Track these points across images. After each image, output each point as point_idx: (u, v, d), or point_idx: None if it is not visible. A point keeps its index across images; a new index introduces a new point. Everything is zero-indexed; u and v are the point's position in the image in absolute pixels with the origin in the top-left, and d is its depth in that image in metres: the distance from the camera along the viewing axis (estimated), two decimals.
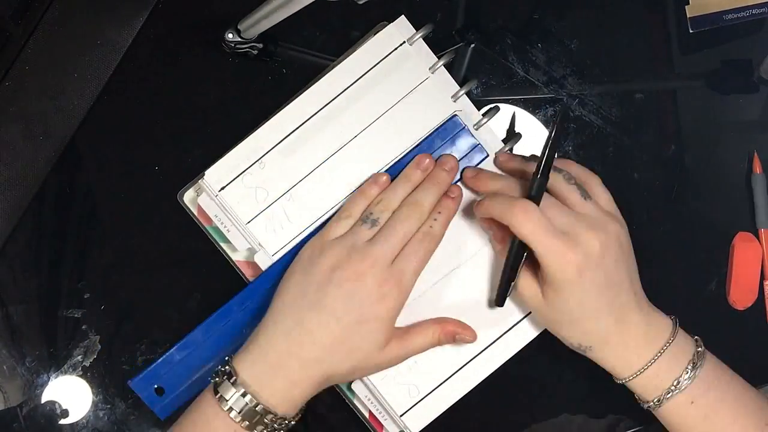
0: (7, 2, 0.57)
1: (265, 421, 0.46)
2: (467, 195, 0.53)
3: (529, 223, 0.45)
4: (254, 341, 0.48)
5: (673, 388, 0.47)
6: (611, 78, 0.59)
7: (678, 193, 0.59)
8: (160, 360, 0.53)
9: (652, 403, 0.48)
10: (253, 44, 0.55)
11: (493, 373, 0.53)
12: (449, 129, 0.53)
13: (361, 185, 0.53)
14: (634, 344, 0.47)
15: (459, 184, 0.53)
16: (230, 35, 0.54)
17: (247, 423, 0.46)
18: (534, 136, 0.57)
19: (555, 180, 0.49)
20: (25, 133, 0.58)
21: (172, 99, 0.58)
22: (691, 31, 0.58)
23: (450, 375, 0.53)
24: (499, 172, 0.54)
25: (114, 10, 0.58)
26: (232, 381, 0.47)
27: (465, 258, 0.54)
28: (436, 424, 0.53)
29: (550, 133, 0.48)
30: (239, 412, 0.46)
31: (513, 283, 0.49)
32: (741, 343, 0.59)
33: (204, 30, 0.58)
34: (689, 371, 0.47)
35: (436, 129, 0.54)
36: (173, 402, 0.53)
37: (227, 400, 0.46)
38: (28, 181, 0.57)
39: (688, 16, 0.58)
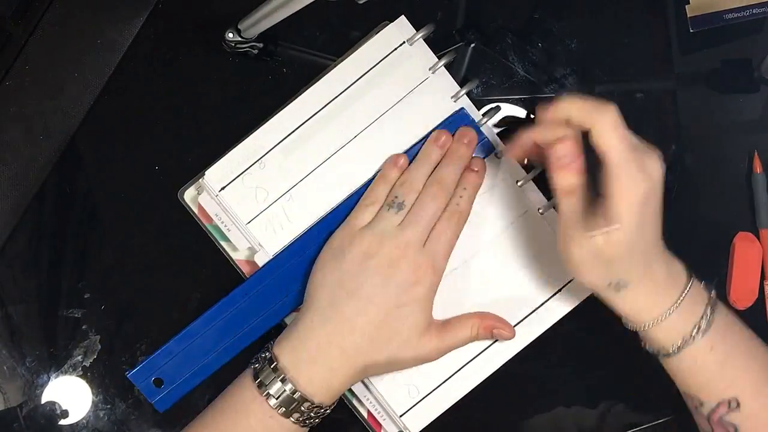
0: (7, 2, 0.57)
1: (302, 408, 0.46)
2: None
3: (618, 132, 0.42)
4: (294, 330, 0.48)
5: (693, 334, 0.45)
6: (611, 78, 0.59)
7: (678, 193, 0.59)
8: (159, 351, 0.53)
9: (671, 350, 0.46)
10: (253, 44, 0.55)
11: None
12: (456, 122, 0.53)
13: (380, 169, 0.52)
14: (663, 284, 0.46)
15: (480, 157, 0.52)
16: (230, 35, 0.54)
17: (284, 410, 0.46)
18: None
19: (605, 106, 0.44)
20: (25, 133, 0.58)
21: (172, 99, 0.58)
22: (691, 31, 0.58)
23: (450, 375, 0.53)
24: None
25: (114, 10, 0.58)
26: (272, 367, 0.47)
27: (480, 247, 0.54)
28: (435, 424, 0.53)
29: None
30: (277, 398, 0.46)
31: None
32: None
33: (204, 30, 0.58)
34: (708, 315, 0.45)
35: (444, 121, 0.53)
36: (172, 394, 0.53)
37: (266, 385, 0.46)
38: (28, 181, 0.57)
39: (688, 16, 0.58)
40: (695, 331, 0.45)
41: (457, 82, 0.55)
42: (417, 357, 0.49)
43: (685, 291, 0.46)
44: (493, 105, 0.56)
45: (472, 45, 0.58)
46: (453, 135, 0.52)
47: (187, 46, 0.58)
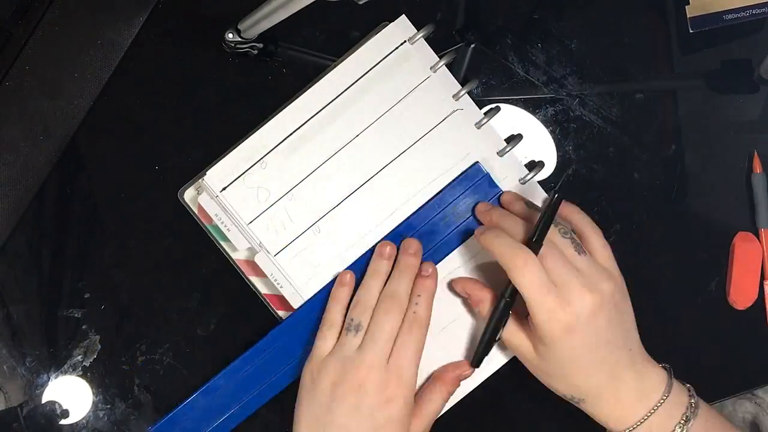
0: (7, 2, 0.57)
1: None
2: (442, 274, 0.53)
3: (528, 273, 0.45)
4: None
5: None
6: (611, 78, 0.59)
7: (678, 193, 0.59)
8: (180, 406, 0.53)
9: None
10: (253, 44, 0.55)
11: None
12: (470, 177, 0.53)
13: (413, 215, 0.53)
14: (627, 400, 0.47)
15: (429, 261, 0.53)
16: (230, 35, 0.54)
17: None
18: (534, 136, 0.57)
19: (551, 233, 0.48)
20: (25, 133, 0.58)
21: (172, 99, 0.58)
22: (691, 31, 0.58)
23: None
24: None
25: (114, 10, 0.58)
26: None
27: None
28: (435, 424, 0.53)
29: (550, 201, 0.47)
30: None
31: (497, 341, 0.49)
32: (741, 343, 0.59)
33: (204, 30, 0.58)
34: (682, 425, 0.47)
35: (458, 177, 0.53)
36: None
37: None
38: (28, 181, 0.57)
39: (688, 16, 0.58)
40: None
41: (453, 77, 0.55)
42: None
43: (659, 403, 0.47)
44: (493, 105, 0.56)
45: (472, 45, 0.58)
46: (463, 192, 0.53)
47: (187, 46, 0.58)
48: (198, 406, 0.53)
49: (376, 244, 0.53)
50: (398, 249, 0.53)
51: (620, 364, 0.47)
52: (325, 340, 0.50)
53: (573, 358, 0.46)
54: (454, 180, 0.54)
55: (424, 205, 0.54)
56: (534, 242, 0.46)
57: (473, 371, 0.52)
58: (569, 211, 0.51)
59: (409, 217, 0.53)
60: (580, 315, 0.45)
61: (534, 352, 0.48)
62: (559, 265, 0.46)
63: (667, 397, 0.47)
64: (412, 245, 0.52)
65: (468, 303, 0.53)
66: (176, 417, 0.53)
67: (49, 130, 0.58)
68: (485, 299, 0.50)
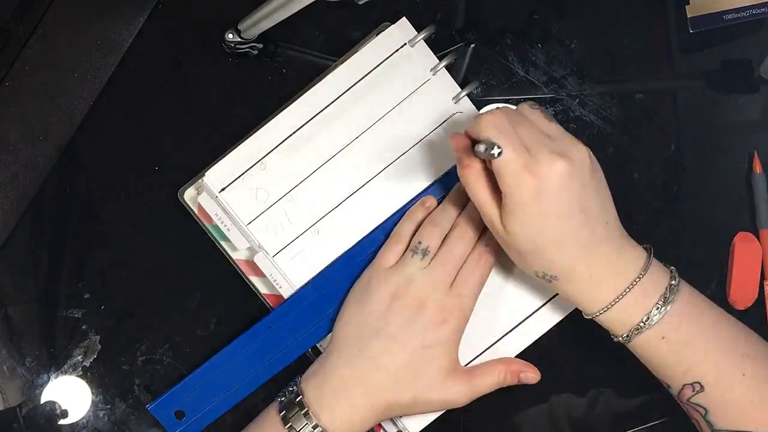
0: (7, 2, 0.57)
1: None
2: None
3: (493, 126, 0.43)
4: (320, 366, 0.49)
5: (642, 324, 0.45)
6: (611, 78, 0.59)
7: (678, 193, 0.59)
8: (180, 384, 0.53)
9: (621, 338, 0.46)
10: (253, 44, 0.55)
11: None
12: None
13: (408, 208, 0.53)
14: (601, 277, 0.45)
15: None
16: (230, 35, 0.54)
17: None
18: None
19: (520, 106, 0.46)
20: (25, 133, 0.58)
21: (172, 99, 0.58)
22: (691, 31, 0.58)
23: None
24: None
25: (114, 10, 0.58)
26: (297, 401, 0.47)
27: None
28: (434, 422, 0.53)
29: None
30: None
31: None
32: None
33: (204, 30, 0.58)
34: (660, 306, 0.44)
35: (453, 167, 0.53)
36: (193, 426, 0.54)
37: (290, 419, 0.47)
38: (28, 181, 0.57)
39: (688, 16, 0.58)
40: (643, 321, 0.45)
41: (457, 83, 0.55)
42: (444, 401, 0.49)
43: (635, 281, 0.45)
44: (493, 106, 0.56)
45: (472, 45, 0.58)
46: None
47: (187, 46, 0.58)
48: (198, 384, 0.53)
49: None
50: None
51: (595, 237, 0.44)
52: (391, 253, 0.51)
53: (543, 227, 0.43)
54: (449, 170, 0.53)
55: (421, 192, 0.53)
56: None
57: (537, 378, 0.52)
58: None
59: (403, 206, 0.53)
60: (550, 179, 0.42)
61: (502, 227, 0.45)
62: (529, 131, 0.44)
63: (643, 275, 0.45)
64: None
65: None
66: (176, 393, 0.53)
67: (49, 130, 0.58)
68: (472, 167, 0.46)
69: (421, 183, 0.54)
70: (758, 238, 0.58)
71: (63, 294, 0.57)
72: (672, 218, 0.59)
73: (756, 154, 0.58)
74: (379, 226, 0.53)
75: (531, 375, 0.51)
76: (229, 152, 0.53)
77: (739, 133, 0.59)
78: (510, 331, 0.53)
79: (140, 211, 0.58)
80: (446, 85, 0.54)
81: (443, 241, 0.50)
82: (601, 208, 0.45)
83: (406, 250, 0.50)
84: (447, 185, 0.53)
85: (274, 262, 0.53)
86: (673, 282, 0.46)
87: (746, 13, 0.57)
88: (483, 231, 0.50)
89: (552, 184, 0.42)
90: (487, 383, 0.50)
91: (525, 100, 0.58)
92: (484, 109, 0.56)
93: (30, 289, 0.58)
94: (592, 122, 0.59)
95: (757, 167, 0.58)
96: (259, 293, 0.56)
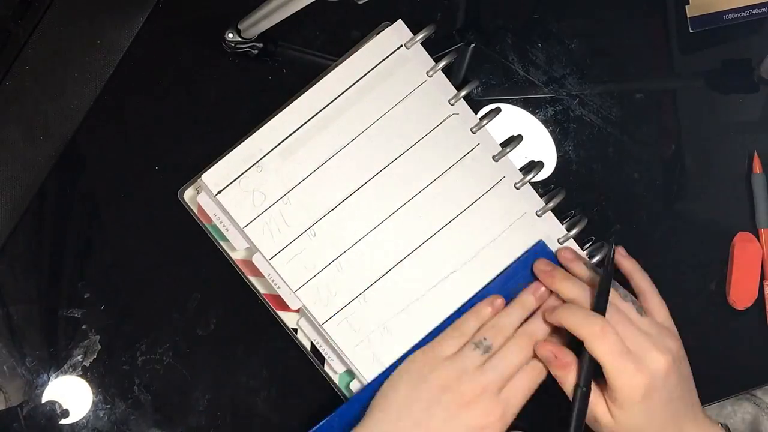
0: (7, 2, 0.57)
1: None
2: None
3: (606, 342, 0.46)
4: None
5: None
6: (611, 78, 0.59)
7: (678, 193, 0.59)
8: None
9: None
10: (253, 44, 0.55)
11: None
12: (534, 254, 0.53)
13: (474, 304, 0.53)
14: None
15: None
16: (230, 35, 0.54)
17: None
18: (534, 136, 0.57)
19: (613, 297, 0.49)
20: (25, 133, 0.58)
21: (171, 99, 0.58)
22: (691, 31, 0.58)
23: None
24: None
25: (114, 10, 0.58)
26: None
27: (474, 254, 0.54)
28: None
29: (606, 265, 0.50)
30: None
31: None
32: (741, 343, 0.59)
33: (204, 30, 0.58)
34: None
35: (522, 256, 0.53)
36: None
37: None
38: (28, 181, 0.57)
39: (688, 16, 0.58)
40: None
41: (457, 83, 0.55)
42: None
43: None
44: (493, 106, 0.56)
45: (472, 45, 0.58)
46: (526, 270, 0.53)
47: (187, 46, 0.58)
48: None
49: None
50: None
51: (686, 419, 0.48)
52: (449, 344, 0.50)
53: (651, 418, 0.47)
54: (518, 259, 0.53)
55: (490, 282, 0.53)
56: (599, 308, 0.48)
57: None
58: (628, 269, 0.53)
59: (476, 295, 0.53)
60: (655, 376, 0.46)
61: (610, 417, 0.48)
62: (629, 330, 0.48)
63: None
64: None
65: None
66: None
67: (49, 130, 0.58)
68: (570, 366, 0.49)
69: (417, 184, 0.54)
70: (758, 238, 0.58)
71: (63, 294, 0.57)
72: (672, 218, 0.59)
73: (756, 154, 0.58)
74: (445, 320, 0.53)
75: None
76: (227, 154, 0.53)
77: (739, 133, 0.59)
78: None
79: (140, 211, 0.58)
80: (442, 87, 0.54)
81: (504, 346, 0.50)
82: (691, 391, 0.50)
83: (465, 346, 0.50)
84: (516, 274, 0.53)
85: (272, 265, 0.53)
86: None
87: (746, 13, 0.57)
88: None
89: (660, 381, 0.47)
90: None
91: (525, 100, 0.58)
92: (483, 110, 0.56)
93: (30, 289, 0.58)
94: (592, 122, 0.59)
95: (757, 167, 0.58)
96: (259, 293, 0.56)
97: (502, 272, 0.54)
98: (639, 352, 0.47)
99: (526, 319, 0.51)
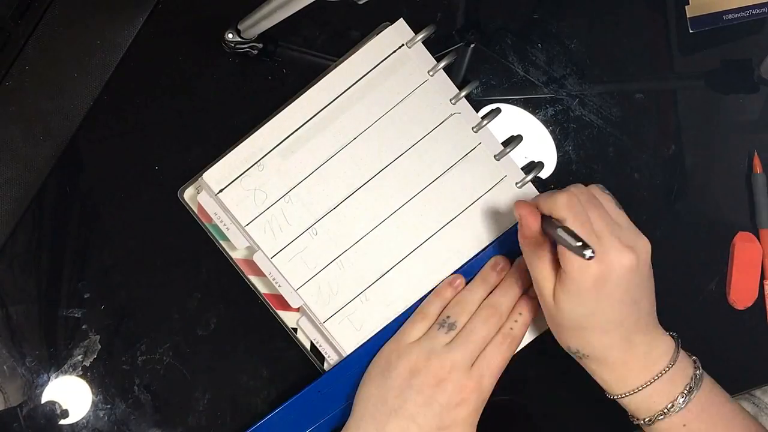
0: (7, 2, 0.57)
1: None
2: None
3: (569, 208, 0.44)
4: None
5: (666, 410, 0.46)
6: (611, 78, 0.59)
7: (678, 193, 0.59)
8: None
9: (642, 421, 0.47)
10: (253, 44, 0.55)
11: None
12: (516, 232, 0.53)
13: (436, 286, 0.53)
14: (634, 364, 0.47)
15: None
16: (230, 35, 0.54)
17: None
18: (534, 136, 0.57)
19: (592, 187, 0.48)
20: (25, 133, 0.58)
21: (171, 99, 0.58)
22: (691, 31, 0.58)
23: None
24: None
25: (114, 10, 0.58)
26: None
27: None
28: None
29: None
30: None
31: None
32: (741, 343, 0.59)
33: (204, 30, 0.58)
34: (685, 395, 0.46)
35: (506, 233, 0.54)
36: None
37: None
38: (28, 181, 0.57)
39: (688, 16, 0.58)
40: (667, 408, 0.46)
41: (457, 83, 0.55)
42: None
43: (664, 371, 0.47)
44: (494, 107, 0.56)
45: (472, 45, 0.58)
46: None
47: (187, 46, 0.58)
48: None
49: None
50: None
51: (637, 327, 0.46)
52: (414, 328, 0.51)
53: (595, 312, 0.45)
54: (498, 238, 0.54)
55: (469, 260, 0.54)
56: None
57: None
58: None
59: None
60: (612, 270, 0.44)
61: (553, 301, 0.46)
62: (601, 215, 0.45)
63: (672, 365, 0.47)
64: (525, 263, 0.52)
65: None
66: None
67: (49, 130, 0.58)
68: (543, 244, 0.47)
69: (418, 184, 0.54)
70: (758, 238, 0.58)
71: (63, 294, 0.57)
72: (672, 218, 0.59)
73: (756, 154, 0.58)
74: (424, 296, 0.53)
75: None
76: (228, 153, 0.53)
77: (739, 133, 0.59)
78: None
79: (140, 210, 0.58)
80: (444, 86, 0.54)
81: (468, 321, 0.50)
82: (649, 300, 0.47)
83: (431, 327, 0.50)
84: (481, 258, 0.54)
85: (273, 264, 0.53)
86: (697, 372, 0.47)
87: (746, 13, 0.57)
88: (510, 314, 0.51)
89: (616, 274, 0.44)
90: None
91: (525, 100, 0.58)
92: (483, 110, 0.56)
93: (30, 289, 0.58)
94: (592, 122, 0.59)
95: (757, 167, 0.58)
96: (259, 293, 0.56)
97: (478, 253, 0.54)
98: (604, 238, 0.44)
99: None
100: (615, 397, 0.48)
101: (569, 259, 0.44)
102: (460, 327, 0.50)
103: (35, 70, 0.58)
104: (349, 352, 0.53)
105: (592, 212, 0.45)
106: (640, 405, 0.47)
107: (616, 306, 0.45)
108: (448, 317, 0.50)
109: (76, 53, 0.58)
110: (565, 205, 0.44)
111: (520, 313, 0.51)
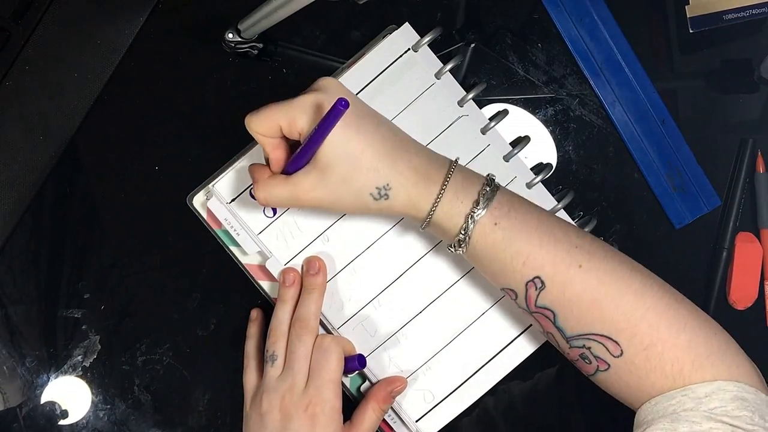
0: (7, 2, 0.57)
1: None
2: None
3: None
4: None
5: (475, 208, 0.45)
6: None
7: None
8: None
9: (461, 235, 0.46)
10: (253, 44, 0.55)
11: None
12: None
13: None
14: (426, 169, 0.46)
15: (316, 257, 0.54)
16: (230, 35, 0.54)
17: None
18: (534, 136, 0.57)
19: None
20: (25, 133, 0.58)
21: (171, 99, 0.58)
22: (691, 31, 0.58)
23: (465, 380, 0.53)
24: None
25: (114, 10, 0.58)
26: None
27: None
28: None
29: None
30: None
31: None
32: (741, 343, 0.59)
33: (204, 30, 0.58)
34: (486, 191, 0.46)
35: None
36: None
37: None
38: (28, 181, 0.57)
39: (688, 16, 0.58)
40: (475, 207, 0.45)
41: (457, 83, 0.55)
42: None
43: (452, 168, 0.46)
44: (501, 108, 0.57)
45: (472, 45, 0.58)
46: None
47: (187, 46, 0.58)
48: None
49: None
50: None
51: (400, 137, 0.47)
52: (250, 374, 0.53)
53: (353, 139, 0.45)
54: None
55: None
56: None
57: (405, 386, 0.53)
58: None
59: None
60: (326, 93, 0.45)
61: (316, 181, 0.45)
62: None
63: (457, 165, 0.47)
64: (314, 264, 0.53)
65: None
66: None
67: (49, 130, 0.58)
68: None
69: None
70: (759, 238, 0.58)
71: (63, 294, 0.57)
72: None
73: (760, 153, 0.58)
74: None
75: (399, 387, 0.53)
76: (238, 162, 0.53)
77: (739, 133, 0.59)
78: (504, 347, 0.54)
79: (140, 210, 0.58)
80: (451, 88, 0.54)
81: (288, 343, 0.51)
82: (389, 124, 0.48)
83: (265, 365, 0.52)
84: None
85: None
86: (492, 177, 0.47)
87: (746, 13, 0.57)
88: (317, 320, 0.52)
89: (329, 93, 0.45)
90: (371, 424, 0.51)
91: (525, 100, 0.58)
92: (485, 110, 0.56)
93: (30, 289, 0.58)
94: (592, 122, 0.59)
95: (760, 167, 0.58)
96: (269, 297, 0.56)
97: None
98: (299, 95, 0.46)
99: None
100: (428, 218, 0.46)
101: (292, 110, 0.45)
102: (282, 354, 0.51)
103: (35, 70, 0.58)
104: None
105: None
106: (450, 217, 0.46)
107: (364, 124, 0.45)
108: (266, 350, 0.52)
109: (76, 53, 0.58)
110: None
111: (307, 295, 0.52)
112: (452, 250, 0.47)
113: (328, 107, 0.43)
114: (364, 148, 0.45)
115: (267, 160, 0.48)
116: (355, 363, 0.52)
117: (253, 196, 0.50)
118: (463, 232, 0.46)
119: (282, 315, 0.52)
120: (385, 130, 0.46)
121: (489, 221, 0.45)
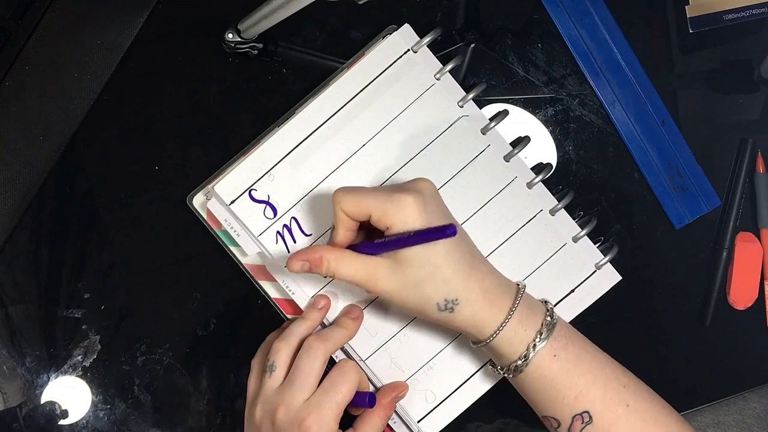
0: (7, 2, 0.57)
1: None
2: None
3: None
4: None
5: (537, 339, 0.46)
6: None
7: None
8: None
9: (518, 361, 0.47)
10: (253, 44, 0.55)
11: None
12: None
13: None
14: (494, 292, 0.47)
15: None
16: (230, 35, 0.54)
17: None
18: (534, 136, 0.57)
19: None
20: (25, 133, 0.58)
21: (171, 99, 0.58)
22: (691, 31, 0.58)
23: (466, 379, 0.53)
24: None
25: (114, 10, 0.58)
26: None
27: None
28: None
29: None
30: None
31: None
32: (741, 343, 0.59)
33: (204, 30, 0.58)
34: (548, 321, 0.47)
35: None
36: None
37: None
38: (28, 181, 0.57)
39: (688, 16, 0.58)
40: (537, 338, 0.46)
41: (458, 83, 0.55)
42: None
43: (519, 296, 0.47)
44: (501, 108, 0.57)
45: (472, 45, 0.58)
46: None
47: (187, 46, 0.58)
48: None
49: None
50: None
51: (473, 254, 0.47)
52: (252, 383, 0.52)
53: (430, 249, 0.45)
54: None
55: None
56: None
57: (407, 390, 0.53)
58: None
59: None
60: (422, 191, 0.46)
61: (389, 273, 0.46)
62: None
63: (524, 291, 0.48)
64: (356, 310, 0.53)
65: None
66: None
67: (49, 130, 0.58)
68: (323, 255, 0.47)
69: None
70: (759, 238, 0.58)
71: (63, 294, 0.57)
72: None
73: (759, 153, 0.58)
74: None
75: (403, 391, 0.53)
76: (238, 163, 0.53)
77: (739, 133, 0.59)
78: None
79: (140, 210, 0.58)
80: (451, 89, 0.54)
81: (297, 358, 0.50)
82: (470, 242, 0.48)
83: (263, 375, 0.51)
84: None
85: (286, 271, 0.53)
86: (550, 305, 0.49)
87: (746, 13, 0.57)
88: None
89: (428, 194, 0.46)
90: (375, 431, 0.51)
91: (525, 100, 0.58)
92: (485, 110, 0.55)
93: (30, 289, 0.58)
94: (592, 122, 0.59)
95: (760, 167, 0.58)
96: (269, 298, 0.56)
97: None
98: (396, 190, 0.46)
99: None
100: (489, 339, 0.47)
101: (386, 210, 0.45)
102: (283, 366, 0.50)
103: (35, 70, 0.58)
104: (363, 359, 0.54)
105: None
106: (511, 343, 0.46)
107: (453, 247, 0.46)
108: (268, 359, 0.51)
109: (76, 53, 0.58)
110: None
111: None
112: (499, 371, 0.49)
113: (422, 211, 0.45)
114: (444, 259, 0.45)
115: (332, 231, 0.48)
116: (365, 399, 0.51)
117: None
118: (522, 360, 0.47)
119: (297, 329, 0.51)
120: (464, 245, 0.47)
121: (549, 352, 0.47)
